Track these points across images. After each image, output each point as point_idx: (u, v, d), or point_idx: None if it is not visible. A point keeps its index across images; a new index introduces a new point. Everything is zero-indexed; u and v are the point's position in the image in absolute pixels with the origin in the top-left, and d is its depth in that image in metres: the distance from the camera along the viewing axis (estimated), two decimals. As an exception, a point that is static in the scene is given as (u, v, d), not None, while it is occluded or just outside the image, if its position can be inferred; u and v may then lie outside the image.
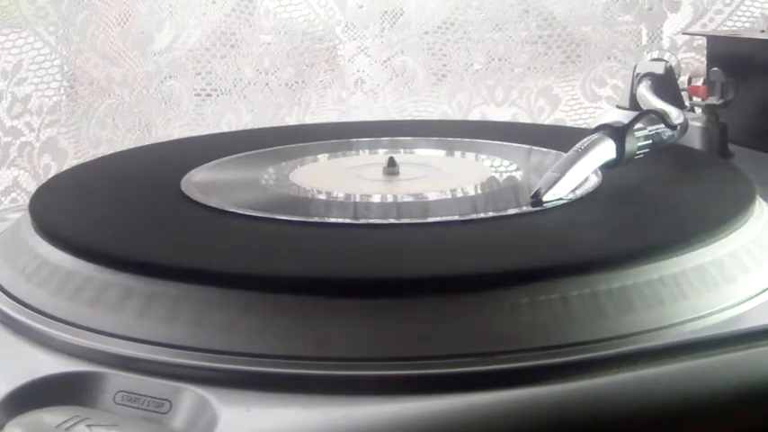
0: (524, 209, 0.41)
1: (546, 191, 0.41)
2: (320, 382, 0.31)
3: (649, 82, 0.61)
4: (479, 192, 0.46)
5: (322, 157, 0.55)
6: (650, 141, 0.46)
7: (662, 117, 0.49)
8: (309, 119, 0.81)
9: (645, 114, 0.49)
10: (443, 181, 0.49)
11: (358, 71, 0.82)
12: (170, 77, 0.76)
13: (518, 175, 0.50)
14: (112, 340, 0.33)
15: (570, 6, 0.83)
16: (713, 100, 0.59)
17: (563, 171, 0.42)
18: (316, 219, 0.42)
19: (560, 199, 0.42)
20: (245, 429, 0.29)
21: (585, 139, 0.44)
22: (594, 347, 0.32)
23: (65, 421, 0.29)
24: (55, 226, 0.41)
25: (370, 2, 0.81)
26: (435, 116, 0.84)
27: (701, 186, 0.46)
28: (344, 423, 0.29)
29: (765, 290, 0.37)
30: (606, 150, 0.44)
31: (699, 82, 0.61)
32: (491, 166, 0.52)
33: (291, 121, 0.80)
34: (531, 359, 0.31)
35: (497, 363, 0.31)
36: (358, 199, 0.45)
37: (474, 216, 0.41)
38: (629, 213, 0.42)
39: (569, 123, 0.85)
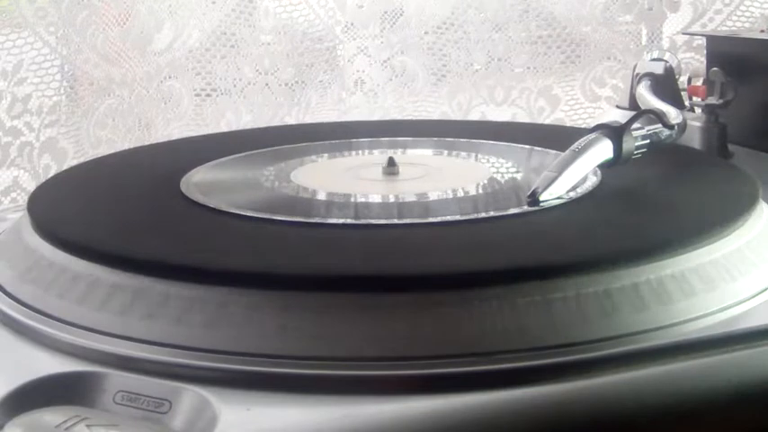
0: (524, 209, 0.41)
1: (543, 190, 0.41)
2: (321, 381, 0.31)
3: (649, 82, 0.61)
4: (479, 192, 0.46)
5: (322, 157, 0.55)
6: (648, 141, 0.46)
7: (660, 117, 0.49)
8: (309, 119, 0.81)
9: (642, 114, 0.49)
10: (443, 181, 0.49)
11: (358, 71, 0.82)
12: (170, 77, 0.76)
13: (518, 175, 0.50)
14: (112, 340, 0.33)
15: (570, 6, 0.83)
16: (713, 100, 0.59)
17: (560, 170, 0.42)
18: (316, 219, 0.42)
19: (559, 198, 0.42)
20: (245, 429, 0.29)
21: (583, 139, 0.44)
22: (594, 347, 0.32)
23: (65, 421, 0.29)
24: (54, 226, 0.41)
25: (371, 2, 0.81)
26: (435, 116, 0.84)
27: (701, 186, 0.46)
28: (345, 423, 0.29)
29: (765, 290, 0.37)
30: (603, 150, 0.44)
31: (699, 82, 0.61)
32: (491, 167, 0.52)
33: (291, 121, 0.80)
34: (531, 359, 0.31)
35: (497, 363, 0.31)
36: (358, 199, 0.45)
37: (473, 216, 0.41)
38: (629, 213, 0.42)
39: (569, 123, 0.85)
